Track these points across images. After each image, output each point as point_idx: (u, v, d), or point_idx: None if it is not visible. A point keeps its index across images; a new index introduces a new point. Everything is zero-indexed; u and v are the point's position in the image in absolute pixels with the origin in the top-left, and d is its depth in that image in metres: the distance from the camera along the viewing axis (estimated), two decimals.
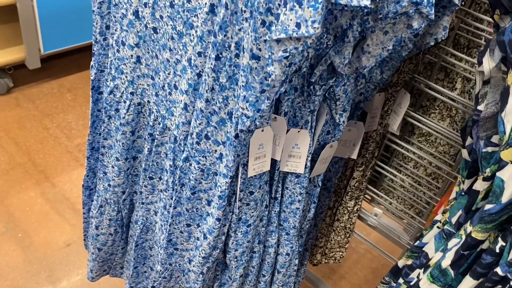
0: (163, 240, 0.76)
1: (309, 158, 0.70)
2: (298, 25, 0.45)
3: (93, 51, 0.77)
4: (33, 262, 1.31)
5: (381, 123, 0.87)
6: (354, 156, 0.84)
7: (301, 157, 0.69)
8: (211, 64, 0.58)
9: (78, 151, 1.70)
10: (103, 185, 0.83)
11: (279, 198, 0.74)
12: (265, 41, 0.50)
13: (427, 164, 1.04)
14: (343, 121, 0.70)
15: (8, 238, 1.36)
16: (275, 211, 0.75)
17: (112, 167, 0.79)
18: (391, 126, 0.88)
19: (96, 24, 0.74)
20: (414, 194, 1.12)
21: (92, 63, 0.79)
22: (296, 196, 0.74)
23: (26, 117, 1.79)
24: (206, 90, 0.60)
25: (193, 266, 0.75)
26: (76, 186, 1.57)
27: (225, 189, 0.65)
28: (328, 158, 0.75)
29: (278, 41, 0.49)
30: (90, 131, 0.84)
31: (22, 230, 1.39)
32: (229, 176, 0.64)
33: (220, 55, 0.57)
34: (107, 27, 0.74)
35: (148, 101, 0.73)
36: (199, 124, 0.63)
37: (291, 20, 0.46)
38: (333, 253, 1.12)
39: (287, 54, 0.49)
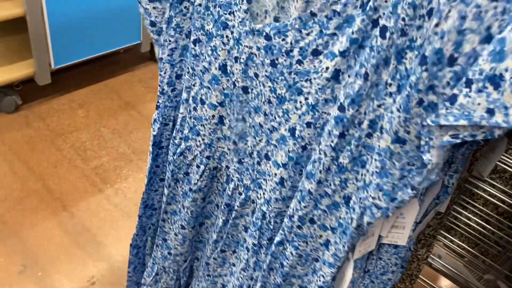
0: None
1: (413, 228, 0.60)
2: (490, 112, 0.34)
3: (158, 104, 0.66)
4: None
5: (468, 169, 0.77)
6: (443, 209, 0.74)
7: (405, 228, 0.59)
8: (332, 141, 0.47)
9: (95, 175, 1.58)
10: (162, 253, 0.72)
11: (371, 270, 0.64)
12: (423, 125, 0.39)
13: (499, 202, 0.95)
14: (453, 183, 0.60)
15: (27, 278, 1.24)
16: (364, 283, 0.65)
17: (176, 234, 0.68)
18: (481, 173, 0.78)
19: (165, 73, 0.62)
20: (480, 232, 1.02)
21: (155, 116, 0.67)
22: (390, 267, 0.64)
23: (37, 137, 1.67)
24: (320, 171, 0.49)
25: None
26: (96, 215, 1.45)
27: (329, 279, 0.55)
28: (428, 220, 0.65)
29: (442, 125, 0.38)
30: (146, 189, 0.73)
31: (41, 268, 1.28)
32: (336, 266, 0.54)
33: (346, 133, 0.46)
34: (178, 77, 0.63)
35: (227, 167, 0.63)
36: (305, 207, 0.53)
37: (478, 104, 0.35)
38: None
39: (457, 141, 0.38)
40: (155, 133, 0.68)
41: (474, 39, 0.34)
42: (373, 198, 0.47)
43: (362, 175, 0.48)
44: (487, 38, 0.34)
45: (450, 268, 1.04)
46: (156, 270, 0.74)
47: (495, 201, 0.96)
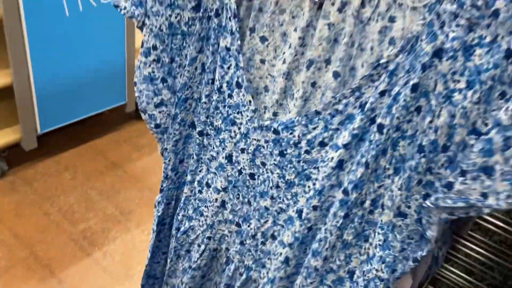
0: None
1: None
2: (484, 195, 0.40)
3: (162, 188, 0.70)
4: None
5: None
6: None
7: None
8: (337, 222, 0.52)
9: (83, 239, 1.57)
10: None
11: None
12: (422, 206, 0.46)
13: (481, 251, 0.99)
14: (442, 254, 0.64)
15: None
16: None
17: None
18: (458, 232, 0.83)
19: (169, 161, 0.67)
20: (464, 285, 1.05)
21: (159, 199, 0.72)
22: None
23: (24, 203, 1.67)
24: (326, 249, 0.54)
25: None
26: (85, 280, 1.44)
27: None
28: None
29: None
30: (149, 262, 0.77)
31: None
32: None
33: (350, 213, 0.52)
34: (180, 161, 0.68)
35: (227, 249, 0.67)
36: (311, 283, 0.57)
37: (474, 189, 0.41)
38: None
39: (454, 217, 0.44)
40: (159, 213, 0.71)
41: (462, 132, 0.42)
42: (376, 270, 0.51)
43: (365, 249, 0.53)
44: (473, 131, 0.41)
45: None
46: None
47: (476, 252, 1.00)
